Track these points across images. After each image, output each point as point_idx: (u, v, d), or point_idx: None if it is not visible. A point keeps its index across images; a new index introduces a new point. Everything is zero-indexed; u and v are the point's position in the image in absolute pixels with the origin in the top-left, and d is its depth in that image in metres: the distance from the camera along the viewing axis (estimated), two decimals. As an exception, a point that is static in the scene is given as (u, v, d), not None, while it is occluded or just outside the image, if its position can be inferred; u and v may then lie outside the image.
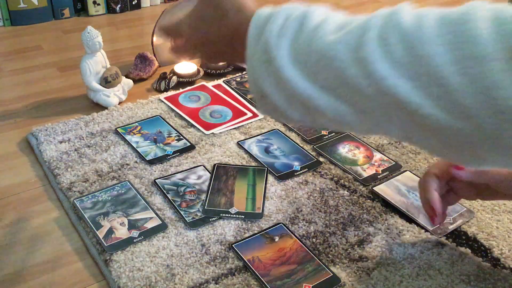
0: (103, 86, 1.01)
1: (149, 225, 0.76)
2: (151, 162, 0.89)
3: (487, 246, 0.76)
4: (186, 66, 1.14)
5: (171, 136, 0.95)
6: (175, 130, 0.96)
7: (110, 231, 0.75)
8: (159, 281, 0.68)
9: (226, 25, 0.57)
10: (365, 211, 0.81)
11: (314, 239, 0.76)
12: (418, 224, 0.79)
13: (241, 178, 0.86)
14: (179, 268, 0.70)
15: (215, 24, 0.58)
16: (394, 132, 0.49)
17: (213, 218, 0.78)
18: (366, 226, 0.78)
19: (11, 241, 0.75)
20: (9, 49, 1.24)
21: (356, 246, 0.75)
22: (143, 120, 0.99)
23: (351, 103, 0.47)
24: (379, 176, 0.88)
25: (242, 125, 0.99)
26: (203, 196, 0.82)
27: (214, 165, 0.88)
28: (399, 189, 0.85)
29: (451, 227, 0.79)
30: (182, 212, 0.79)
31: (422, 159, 0.93)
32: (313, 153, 0.93)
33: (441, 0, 1.64)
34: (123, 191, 0.82)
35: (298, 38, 0.50)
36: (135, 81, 1.11)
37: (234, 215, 0.79)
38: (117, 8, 1.44)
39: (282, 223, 0.78)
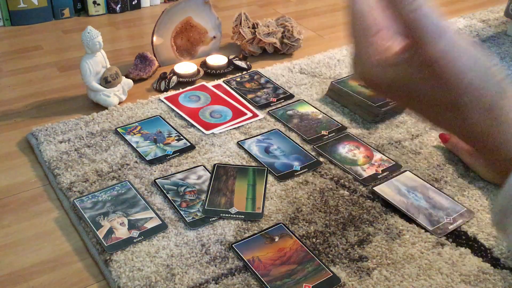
0: (103, 86, 1.01)
1: (149, 225, 0.76)
2: (151, 162, 0.89)
3: (487, 246, 0.76)
4: (186, 66, 1.14)
5: (171, 136, 0.95)
6: (175, 130, 0.96)
7: (110, 231, 0.75)
8: (159, 281, 0.68)
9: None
10: (365, 211, 0.81)
11: (314, 239, 0.76)
12: (418, 224, 0.79)
13: (241, 178, 0.86)
14: (179, 268, 0.70)
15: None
16: None
17: (213, 218, 0.78)
18: (366, 226, 0.78)
19: (11, 241, 0.75)
20: (9, 49, 1.24)
21: (356, 246, 0.75)
22: (143, 120, 0.99)
23: None
24: (379, 176, 0.88)
25: (242, 125, 0.99)
26: (203, 196, 0.82)
27: (214, 165, 0.88)
28: (399, 189, 0.85)
29: (451, 227, 0.79)
30: (182, 212, 0.79)
31: (422, 159, 0.93)
32: (313, 153, 0.93)
33: (440, 0, 1.64)
34: (123, 191, 0.82)
35: None
36: (135, 81, 1.11)
37: (234, 215, 0.79)
38: (117, 8, 1.44)
39: (282, 223, 0.78)
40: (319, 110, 1.05)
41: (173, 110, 1.02)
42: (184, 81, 1.11)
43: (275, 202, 0.82)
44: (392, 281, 0.70)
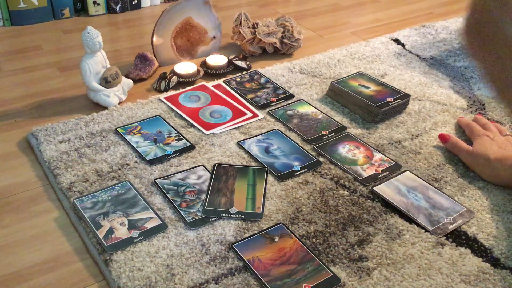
0: (103, 86, 1.01)
1: (149, 225, 0.76)
2: (151, 162, 0.89)
3: (487, 246, 0.76)
4: (186, 66, 1.14)
5: (171, 136, 0.95)
6: (175, 130, 0.96)
7: (110, 231, 0.75)
8: (159, 281, 0.68)
9: None
10: (365, 211, 0.81)
11: (314, 239, 0.76)
12: (418, 224, 0.79)
13: (241, 178, 0.86)
14: (179, 268, 0.70)
15: None
16: None
17: (213, 218, 0.78)
18: (366, 226, 0.78)
19: (11, 241, 0.75)
20: (9, 49, 1.24)
21: (356, 246, 0.75)
22: (143, 120, 0.99)
23: None
24: (379, 176, 0.88)
25: (242, 125, 0.99)
26: (203, 196, 0.82)
27: (214, 165, 0.88)
28: (399, 189, 0.85)
29: (451, 227, 0.79)
30: (182, 212, 0.79)
31: (422, 159, 0.93)
32: (313, 153, 0.93)
33: (440, 0, 1.64)
34: (123, 191, 0.82)
35: None
36: (135, 81, 1.11)
37: (234, 215, 0.79)
38: (117, 8, 1.44)
39: (282, 223, 0.78)
40: (319, 110, 1.05)
41: (173, 110, 1.02)
42: (184, 81, 1.11)
43: (275, 202, 0.82)
44: (392, 281, 0.70)
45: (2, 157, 0.91)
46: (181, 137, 0.95)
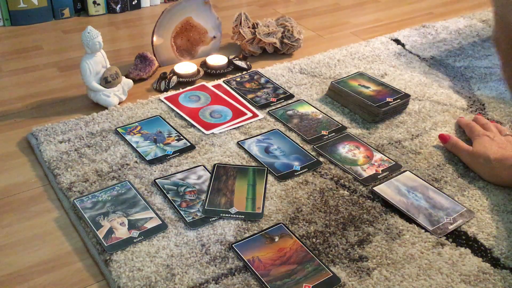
0: (103, 86, 1.01)
1: (149, 225, 0.76)
2: (151, 162, 0.89)
3: (487, 246, 0.76)
4: (186, 66, 1.14)
5: (171, 136, 0.95)
6: (175, 130, 0.96)
7: (110, 231, 0.75)
8: (159, 281, 0.68)
9: None
10: (365, 211, 0.81)
11: (314, 239, 0.76)
12: (418, 224, 0.79)
13: (241, 178, 0.86)
14: (179, 268, 0.70)
15: None
16: None
17: (213, 218, 0.78)
18: (366, 226, 0.78)
19: (11, 241, 0.75)
20: (9, 49, 1.24)
21: (356, 246, 0.75)
22: (143, 120, 0.99)
23: None
24: (379, 176, 0.88)
25: (242, 125, 0.99)
26: (203, 196, 0.82)
27: (214, 165, 0.88)
28: (399, 189, 0.85)
29: (451, 227, 0.79)
30: (182, 212, 0.79)
31: (422, 159, 0.93)
32: (313, 153, 0.93)
33: (440, 0, 1.64)
34: (123, 191, 0.82)
35: None
36: (135, 81, 1.11)
37: (234, 215, 0.79)
38: (117, 8, 1.44)
39: (282, 223, 0.78)
40: (319, 110, 1.05)
41: (173, 110, 1.02)
42: (184, 81, 1.11)
43: (275, 202, 0.82)
44: (392, 281, 0.70)
45: (2, 157, 0.91)
46: (181, 137, 0.95)
